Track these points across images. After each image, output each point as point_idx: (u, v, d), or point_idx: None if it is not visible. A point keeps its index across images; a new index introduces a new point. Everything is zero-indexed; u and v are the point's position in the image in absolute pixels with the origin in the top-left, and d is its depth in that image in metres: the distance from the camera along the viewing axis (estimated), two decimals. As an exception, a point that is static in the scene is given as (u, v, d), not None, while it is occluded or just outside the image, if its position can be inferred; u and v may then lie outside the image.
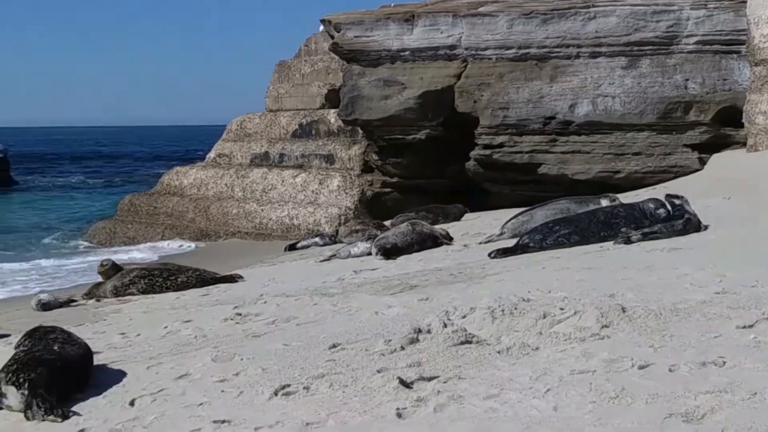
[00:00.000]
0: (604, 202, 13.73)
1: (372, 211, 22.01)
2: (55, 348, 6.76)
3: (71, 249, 26.06)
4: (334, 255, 15.26)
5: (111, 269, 13.91)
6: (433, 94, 20.72)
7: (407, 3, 22.54)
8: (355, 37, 21.35)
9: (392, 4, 22.68)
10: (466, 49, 20.62)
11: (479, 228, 16.87)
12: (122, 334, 9.37)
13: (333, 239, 18.71)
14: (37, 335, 7.17)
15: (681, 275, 8.41)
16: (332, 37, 22.10)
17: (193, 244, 23.35)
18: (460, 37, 20.64)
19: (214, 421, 5.46)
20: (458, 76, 20.61)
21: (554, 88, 19.90)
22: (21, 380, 6.22)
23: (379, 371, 6.11)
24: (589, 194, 15.21)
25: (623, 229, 11.56)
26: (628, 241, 11.16)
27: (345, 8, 25.17)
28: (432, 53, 20.93)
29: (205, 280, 13.37)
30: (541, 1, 20.45)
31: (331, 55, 24.75)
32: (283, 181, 24.12)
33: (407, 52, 21.06)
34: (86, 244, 25.99)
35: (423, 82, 20.81)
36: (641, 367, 5.50)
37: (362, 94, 21.34)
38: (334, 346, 7.05)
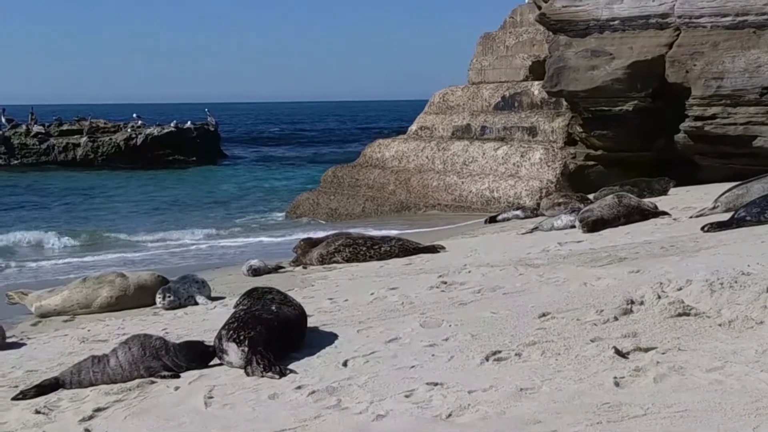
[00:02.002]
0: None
1: (574, 184, 21.56)
2: (273, 308, 7.01)
3: (282, 222, 27.04)
4: (537, 227, 15.07)
5: (305, 248, 14.25)
6: (642, 64, 19.99)
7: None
8: (563, 6, 20.90)
9: (599, -27, 22.03)
10: (679, 17, 19.76)
11: (688, 202, 16.24)
12: (330, 299, 9.62)
13: (534, 212, 18.48)
14: (255, 295, 7.46)
15: None
16: (539, 7, 21.72)
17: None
18: (673, 5, 19.80)
19: (427, 383, 5.51)
20: (669, 46, 19.79)
21: (773, 56, 18.78)
22: (241, 337, 6.49)
23: (592, 340, 6.00)
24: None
25: None
26: None
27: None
28: (643, 22, 20.19)
29: (407, 249, 13.52)
30: (759, -36, 19.31)
31: (536, 27, 24.34)
32: (484, 153, 23.98)
33: (616, 22, 20.43)
34: (305, 219, 26.35)
35: (632, 52, 20.11)
36: None
37: (568, 65, 20.89)
38: (543, 314, 6.98)
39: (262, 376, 6.16)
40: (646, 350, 5.67)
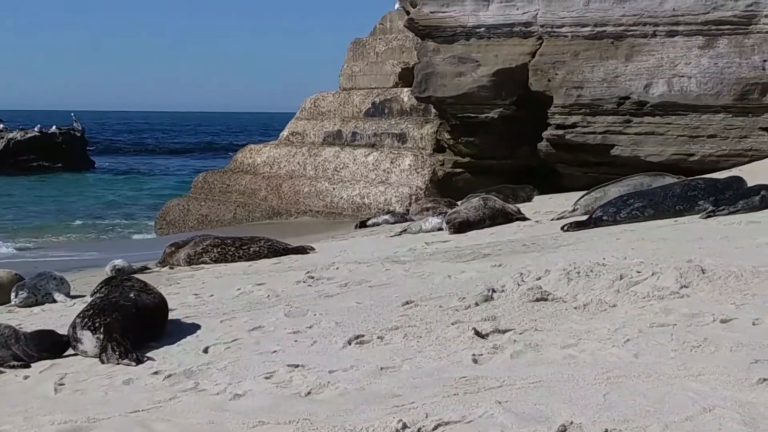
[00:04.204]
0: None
1: (443, 191, 21.86)
2: (131, 295, 6.84)
3: (150, 228, 26.57)
4: (405, 230, 15.22)
5: (172, 249, 13.96)
6: (506, 71, 20.42)
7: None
8: (431, 12, 21.16)
9: (468, -20, 22.43)
10: (542, 26, 20.28)
11: (550, 207, 16.70)
12: (196, 294, 9.46)
13: (404, 217, 18.66)
14: (113, 283, 7.27)
15: (761, 244, 8.24)
16: (408, 12, 21.95)
17: None
18: (536, 14, 20.32)
19: (288, 365, 5.48)
20: (533, 54, 20.28)
21: (629, 67, 19.49)
22: (96, 324, 6.30)
23: (453, 324, 6.09)
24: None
25: (700, 202, 11.36)
26: (712, 214, 10.95)
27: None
28: (507, 30, 20.61)
29: (277, 250, 13.41)
30: (618, -22, 20.03)
31: (405, 33, 24.58)
32: (354, 159, 24.08)
33: (482, 29, 20.79)
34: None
35: (497, 60, 20.52)
36: (723, 321, 5.38)
37: (436, 71, 21.17)
38: (407, 303, 7.05)
39: (118, 364, 5.99)
40: (505, 331, 5.78)
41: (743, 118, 18.88)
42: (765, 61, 18.63)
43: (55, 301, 10.08)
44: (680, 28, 19.30)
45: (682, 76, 19.13)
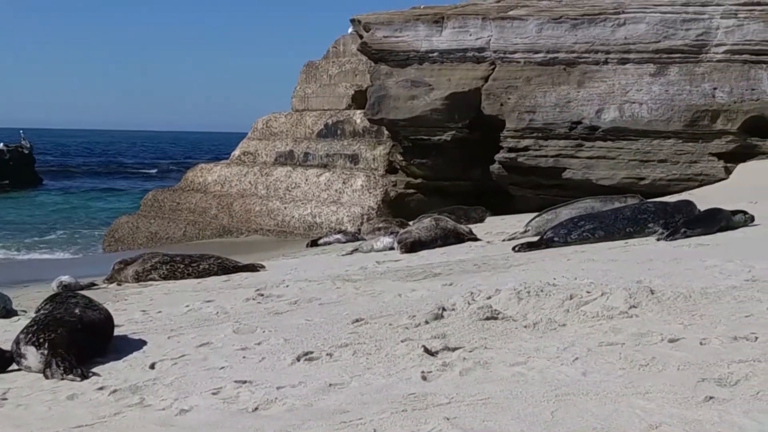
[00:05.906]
0: (630, 201, 13.62)
1: (395, 211, 21.92)
2: (76, 311, 6.71)
3: (99, 245, 26.22)
4: (357, 249, 15.20)
5: (120, 266, 13.82)
6: (459, 95, 20.63)
7: (437, 5, 22.49)
8: (384, 37, 21.33)
9: (422, 6, 22.62)
10: (495, 51, 20.54)
11: (502, 228, 16.78)
12: (143, 311, 9.34)
13: (356, 236, 18.66)
14: (58, 299, 7.13)
15: (709, 266, 8.32)
16: (361, 36, 22.08)
17: None
18: (489, 40, 20.57)
19: (236, 381, 5.41)
20: (485, 79, 20.52)
21: (581, 93, 19.79)
22: (41, 340, 6.18)
23: (403, 341, 6.06)
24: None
25: (650, 225, 11.49)
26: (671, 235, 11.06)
27: (375, 8, 25.17)
28: (460, 55, 20.86)
29: (226, 267, 13.31)
30: (571, 6, 20.35)
31: (358, 57, 24.73)
32: (306, 179, 24.09)
33: (435, 54, 21.01)
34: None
35: (450, 84, 20.72)
36: (671, 341, 5.42)
37: (389, 93, 21.30)
38: (357, 320, 7.01)
39: (63, 379, 5.87)
40: (454, 349, 5.76)
41: (693, 143, 19.23)
42: (715, 89, 19.01)
43: (8, 316, 9.86)
44: (632, 56, 19.64)
45: (634, 102, 19.46)
